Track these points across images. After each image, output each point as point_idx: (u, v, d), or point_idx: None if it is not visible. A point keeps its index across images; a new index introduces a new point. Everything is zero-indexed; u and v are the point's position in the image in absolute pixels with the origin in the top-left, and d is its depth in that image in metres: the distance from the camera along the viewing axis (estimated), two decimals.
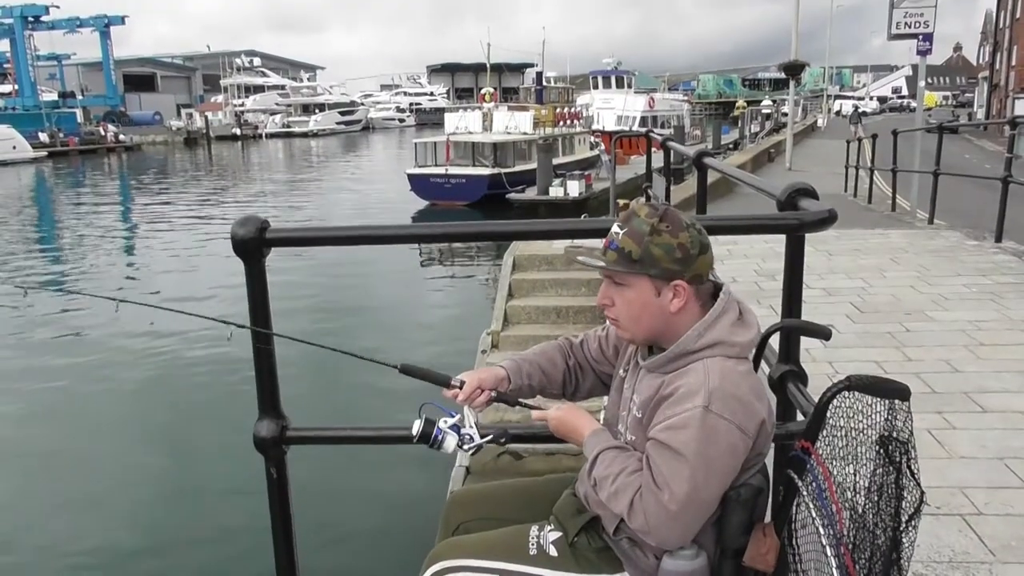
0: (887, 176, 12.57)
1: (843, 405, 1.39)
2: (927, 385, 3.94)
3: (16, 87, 61.55)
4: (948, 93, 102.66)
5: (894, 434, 1.34)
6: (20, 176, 42.31)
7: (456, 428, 1.71)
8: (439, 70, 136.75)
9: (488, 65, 38.91)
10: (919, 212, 10.67)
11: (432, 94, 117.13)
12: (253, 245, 1.76)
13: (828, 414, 1.39)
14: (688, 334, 1.53)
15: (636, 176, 22.52)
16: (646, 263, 1.51)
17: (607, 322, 1.76)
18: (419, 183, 26.52)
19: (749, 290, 5.71)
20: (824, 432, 1.40)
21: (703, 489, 1.45)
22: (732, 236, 6.66)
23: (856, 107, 61.46)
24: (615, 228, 1.56)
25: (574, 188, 23.05)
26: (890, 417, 1.34)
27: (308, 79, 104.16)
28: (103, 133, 60.79)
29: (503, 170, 26.33)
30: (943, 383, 3.96)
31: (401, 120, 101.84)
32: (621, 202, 11.90)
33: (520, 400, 1.81)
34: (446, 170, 26.27)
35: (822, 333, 1.66)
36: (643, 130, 35.42)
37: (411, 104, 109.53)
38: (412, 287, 15.77)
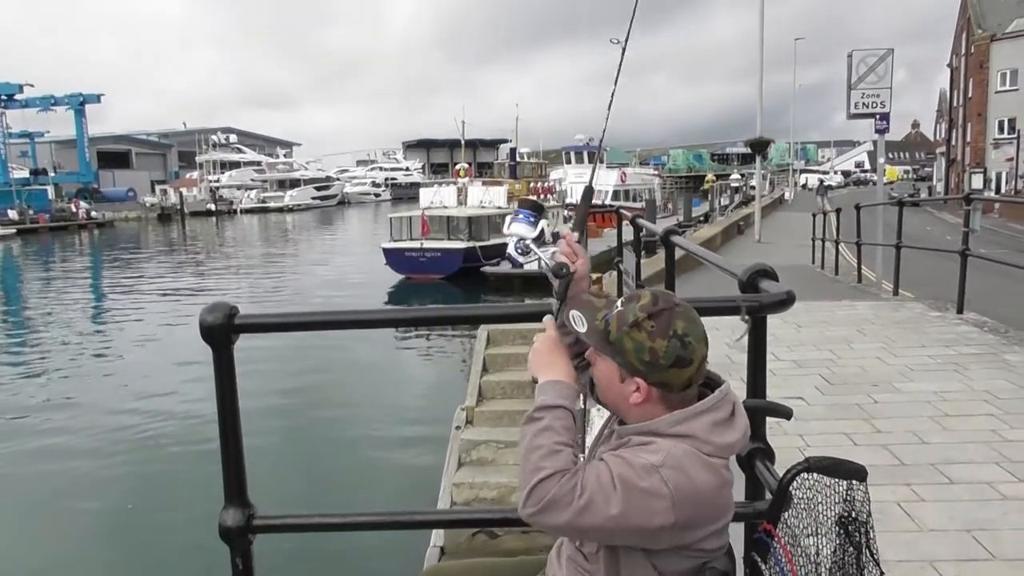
0: (853, 248, 12.90)
1: (804, 486, 1.41)
2: (895, 457, 3.97)
3: None
4: (909, 167, 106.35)
5: (853, 514, 1.36)
6: None
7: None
8: (414, 146, 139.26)
9: (463, 141, 39.76)
10: (884, 283, 10.92)
11: (407, 169, 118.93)
12: (221, 332, 1.77)
13: (789, 495, 1.41)
14: (664, 418, 1.50)
15: (609, 249, 22.83)
16: (615, 348, 1.51)
17: None
18: (394, 257, 26.64)
19: (720, 363, 5.76)
20: (786, 513, 1.42)
21: (596, 515, 1.40)
22: None
23: (821, 181, 63.36)
24: (620, 302, 1.57)
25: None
26: (849, 497, 1.37)
27: (284, 155, 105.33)
28: (74, 210, 60.53)
29: (478, 243, 26.58)
30: (911, 455, 4.00)
31: (376, 195, 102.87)
32: (593, 276, 12.11)
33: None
34: (421, 244, 26.46)
35: (784, 413, 1.69)
36: (615, 204, 36.15)
37: (387, 179, 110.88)
38: (387, 361, 15.66)
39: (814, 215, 18.35)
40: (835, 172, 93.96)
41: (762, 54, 21.88)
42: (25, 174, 65.31)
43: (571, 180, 42.02)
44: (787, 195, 52.62)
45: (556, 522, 1.43)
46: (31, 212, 56.27)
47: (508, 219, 1.87)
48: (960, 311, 7.72)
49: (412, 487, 8.68)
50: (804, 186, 75.33)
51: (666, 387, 1.50)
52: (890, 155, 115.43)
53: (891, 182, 67.41)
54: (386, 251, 26.91)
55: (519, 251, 1.82)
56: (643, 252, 10.46)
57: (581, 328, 1.56)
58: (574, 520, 1.41)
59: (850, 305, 8.78)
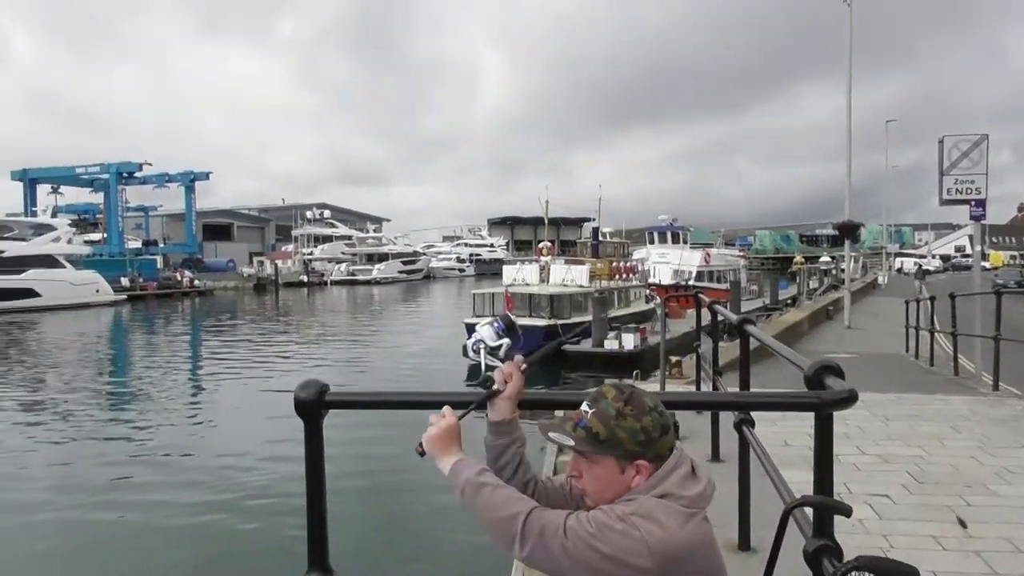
0: (950, 337, 12.37)
1: None
2: (988, 565, 3.77)
3: (105, 236, 66.11)
4: (1015, 252, 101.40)
5: None
6: (100, 317, 44.61)
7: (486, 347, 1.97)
8: (499, 223, 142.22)
9: (546, 219, 40.40)
10: (984, 376, 10.39)
11: (492, 245, 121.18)
12: (312, 407, 1.94)
13: None
14: (642, 485, 1.64)
15: (691, 330, 22.55)
16: (611, 444, 1.65)
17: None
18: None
19: (802, 454, 5.61)
20: None
21: (582, 546, 1.54)
22: None
23: (919, 265, 61.01)
24: (584, 406, 1.71)
25: (629, 341, 23.13)
26: None
27: (374, 230, 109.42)
28: (179, 278, 64.34)
29: (559, 321, 26.66)
30: (1006, 564, 3.79)
31: (461, 270, 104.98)
32: (673, 359, 11.93)
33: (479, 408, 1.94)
34: None
35: (843, 511, 1.71)
36: (698, 285, 35.77)
37: (471, 255, 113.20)
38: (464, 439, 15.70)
39: (907, 302, 17.71)
40: (933, 256, 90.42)
41: (849, 139, 21.68)
42: (138, 245, 70.01)
43: (654, 260, 41.91)
44: (880, 279, 50.85)
45: (553, 551, 1.55)
46: (141, 280, 60.06)
47: (483, 321, 2.10)
48: None
49: (489, 568, 8.62)
50: (899, 270, 72.73)
51: (660, 458, 1.66)
52: (994, 239, 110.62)
53: (996, 268, 64.34)
54: (468, 326, 27.30)
55: (474, 349, 2.06)
56: (724, 336, 10.33)
57: (569, 442, 1.71)
58: (565, 547, 1.54)
59: (944, 399, 8.40)
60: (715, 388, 5.42)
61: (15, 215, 62.56)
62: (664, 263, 41.43)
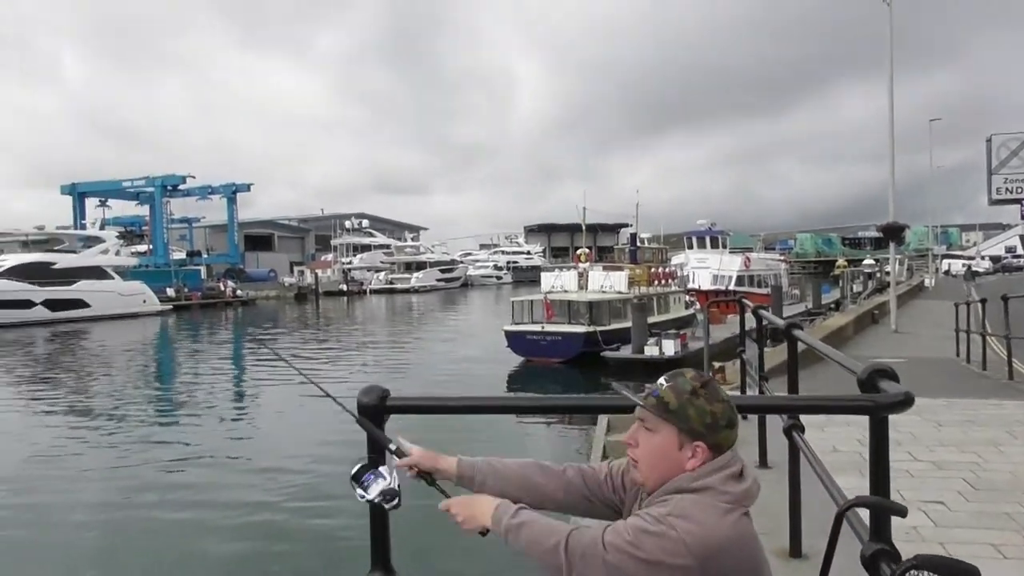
0: (1004, 340, 12.06)
1: None
2: None
3: (151, 247, 67.76)
4: None
5: None
6: (147, 327, 45.68)
7: (386, 482, 1.87)
8: (536, 230, 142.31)
9: (584, 226, 40.34)
10: None
11: (529, 253, 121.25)
12: (375, 412, 2.00)
13: None
14: (686, 475, 1.66)
15: (733, 336, 22.31)
16: (679, 416, 1.67)
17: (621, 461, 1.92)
18: (516, 339, 27.03)
19: (852, 460, 5.53)
20: None
21: (622, 554, 1.56)
22: None
23: (968, 266, 59.45)
24: (661, 380, 1.75)
25: (669, 347, 22.96)
26: None
27: (412, 239, 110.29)
28: (222, 288, 65.66)
29: (598, 328, 26.59)
30: None
31: (498, 278, 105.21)
32: (716, 365, 11.82)
33: (437, 482, 1.94)
34: (542, 327, 26.77)
35: (898, 511, 1.70)
36: (739, 290, 35.36)
37: (508, 262, 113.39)
38: (504, 443, 15.75)
39: (957, 304, 17.29)
40: (982, 257, 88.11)
41: (892, 139, 21.23)
42: (182, 256, 71.61)
43: (693, 265, 41.55)
44: (927, 282, 49.71)
45: (598, 568, 1.58)
46: (186, 290, 61.42)
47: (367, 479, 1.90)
48: None
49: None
50: (946, 272, 71.02)
51: (718, 448, 1.68)
52: None
53: None
54: (508, 333, 27.37)
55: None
56: (768, 341, 10.20)
57: (636, 400, 1.74)
58: (608, 561, 1.57)
59: (998, 404, 8.19)
60: (761, 393, 5.38)
61: (65, 228, 64.56)
62: (703, 268, 41.05)
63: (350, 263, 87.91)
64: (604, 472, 1.95)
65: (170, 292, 59.21)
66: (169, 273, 62.94)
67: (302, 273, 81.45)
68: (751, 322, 10.84)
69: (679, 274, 37.54)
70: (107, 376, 25.78)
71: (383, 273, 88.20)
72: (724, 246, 43.89)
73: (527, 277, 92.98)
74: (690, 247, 44.58)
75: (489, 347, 29.84)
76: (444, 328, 43.35)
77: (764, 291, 37.31)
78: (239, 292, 66.32)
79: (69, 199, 69.67)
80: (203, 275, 69.85)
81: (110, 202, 73.30)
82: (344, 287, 78.73)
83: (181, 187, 68.72)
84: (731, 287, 38.19)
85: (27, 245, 58.99)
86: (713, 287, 38.47)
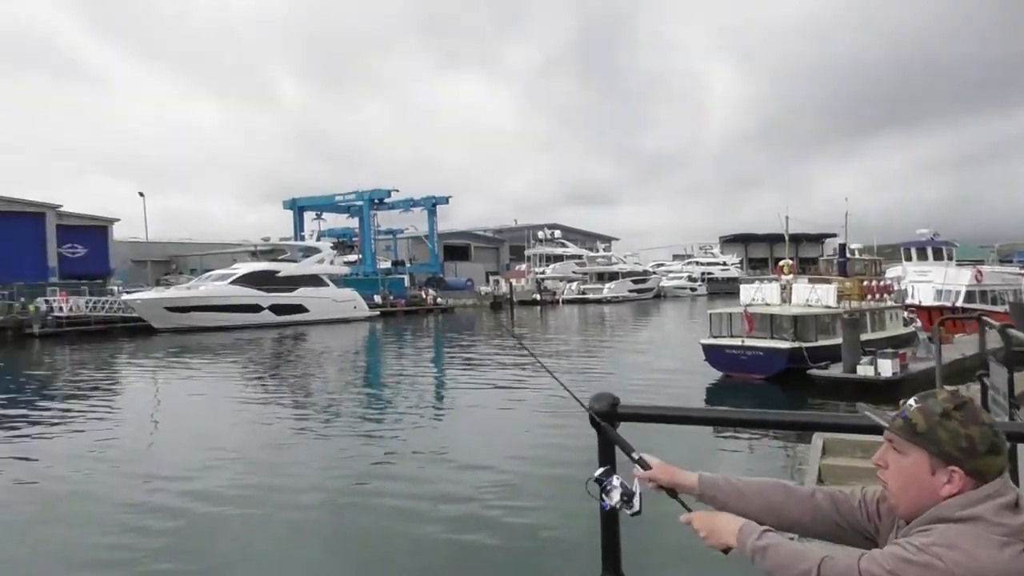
0: None
1: None
2: None
3: (360, 257, 73.32)
4: None
5: None
6: (357, 331, 49.42)
7: (626, 488, 1.89)
8: (731, 240, 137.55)
9: (786, 236, 38.28)
10: None
11: (725, 264, 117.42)
12: (607, 418, 1.93)
13: None
14: (950, 502, 1.52)
15: (963, 357, 20.11)
16: (928, 438, 1.55)
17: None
18: (714, 353, 26.10)
19: None
20: None
21: None
22: None
23: None
24: (911, 401, 1.63)
25: (886, 367, 21.06)
26: None
27: (603, 249, 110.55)
28: (424, 296, 69.70)
29: (804, 344, 25.03)
30: None
31: (693, 289, 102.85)
32: (950, 388, 10.64)
33: (679, 496, 1.92)
34: (743, 341, 25.64)
35: None
36: (972, 307, 31.92)
37: (703, 273, 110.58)
38: (703, 457, 15.18)
39: None
40: None
41: None
42: (387, 265, 76.87)
43: (912, 278, 38.06)
44: None
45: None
46: (391, 297, 65.86)
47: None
48: None
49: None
50: None
51: (980, 476, 1.52)
52: None
53: None
54: (705, 347, 26.49)
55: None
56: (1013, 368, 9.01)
57: (881, 422, 1.64)
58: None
59: None
60: (1012, 420, 4.72)
61: (287, 239, 71.56)
62: (925, 282, 37.46)
63: (543, 273, 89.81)
64: (857, 498, 1.84)
65: (377, 299, 63.71)
66: (376, 281, 67.74)
67: (497, 283, 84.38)
68: (992, 342, 9.71)
69: (895, 288, 34.48)
70: (327, 374, 28.46)
71: (575, 283, 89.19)
72: (949, 258, 39.84)
73: (723, 289, 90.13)
74: (908, 259, 40.88)
75: (685, 360, 29.09)
76: (637, 339, 42.94)
77: (1000, 309, 33.32)
78: (439, 300, 70.06)
79: (290, 213, 77.16)
80: (406, 284, 74.44)
81: (324, 215, 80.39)
82: (537, 296, 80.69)
83: (386, 200, 73.86)
84: (959, 303, 34.56)
85: (255, 255, 66.10)
86: (936, 303, 35.00)
